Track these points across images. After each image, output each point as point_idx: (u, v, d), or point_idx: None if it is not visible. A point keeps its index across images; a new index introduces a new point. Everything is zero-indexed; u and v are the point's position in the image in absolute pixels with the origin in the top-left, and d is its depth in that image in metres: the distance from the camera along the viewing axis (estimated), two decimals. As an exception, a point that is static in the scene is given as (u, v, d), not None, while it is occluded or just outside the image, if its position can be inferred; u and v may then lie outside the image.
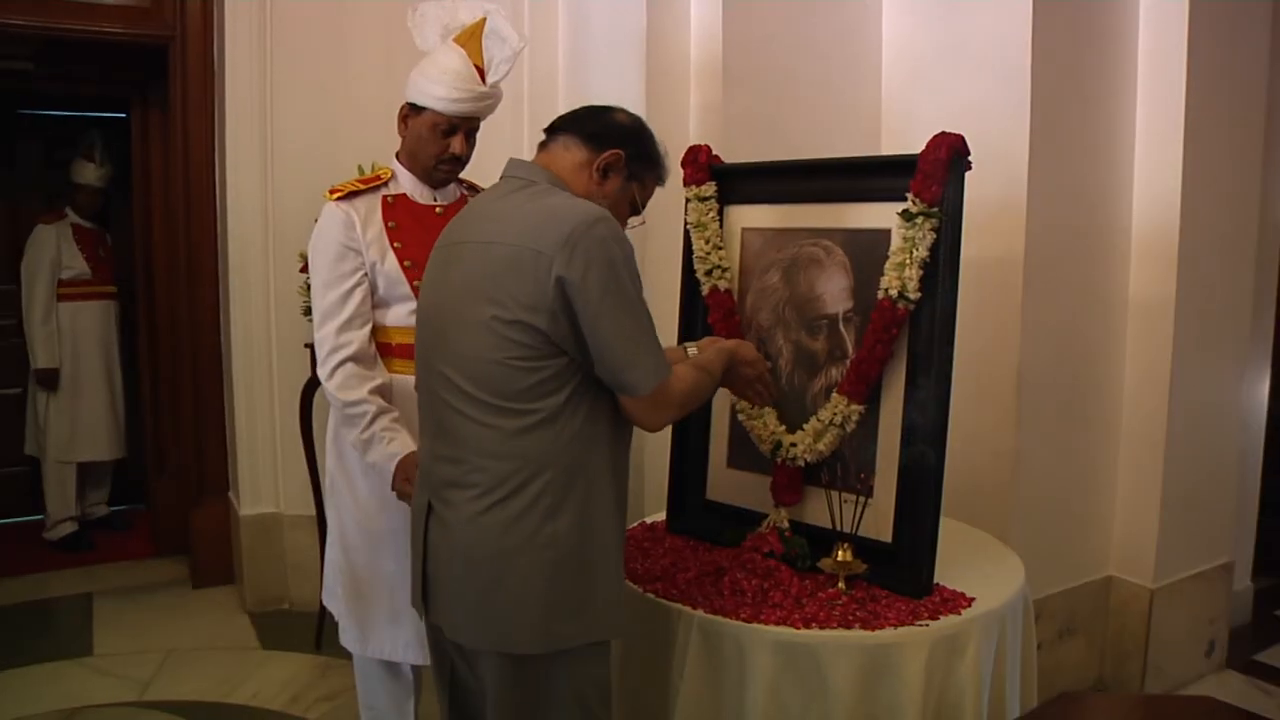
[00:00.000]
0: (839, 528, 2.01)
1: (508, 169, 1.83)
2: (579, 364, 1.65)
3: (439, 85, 2.25)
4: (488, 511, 1.66)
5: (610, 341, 1.62)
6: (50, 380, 4.62)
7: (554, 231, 1.60)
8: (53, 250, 4.62)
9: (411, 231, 2.30)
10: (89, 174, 4.72)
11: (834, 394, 2.09)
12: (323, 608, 3.33)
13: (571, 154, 1.78)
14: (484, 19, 2.32)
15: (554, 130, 1.83)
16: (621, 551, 1.77)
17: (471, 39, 2.28)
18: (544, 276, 1.59)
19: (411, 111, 2.32)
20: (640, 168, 1.83)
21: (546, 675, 1.72)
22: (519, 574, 1.66)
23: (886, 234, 2.05)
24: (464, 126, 2.31)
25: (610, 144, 1.78)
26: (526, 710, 1.74)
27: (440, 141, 2.30)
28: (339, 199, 2.30)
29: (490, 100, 2.33)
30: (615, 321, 1.62)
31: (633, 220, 1.88)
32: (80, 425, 4.69)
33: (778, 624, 1.84)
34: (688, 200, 2.34)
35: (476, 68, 2.27)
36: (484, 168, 2.60)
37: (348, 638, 2.38)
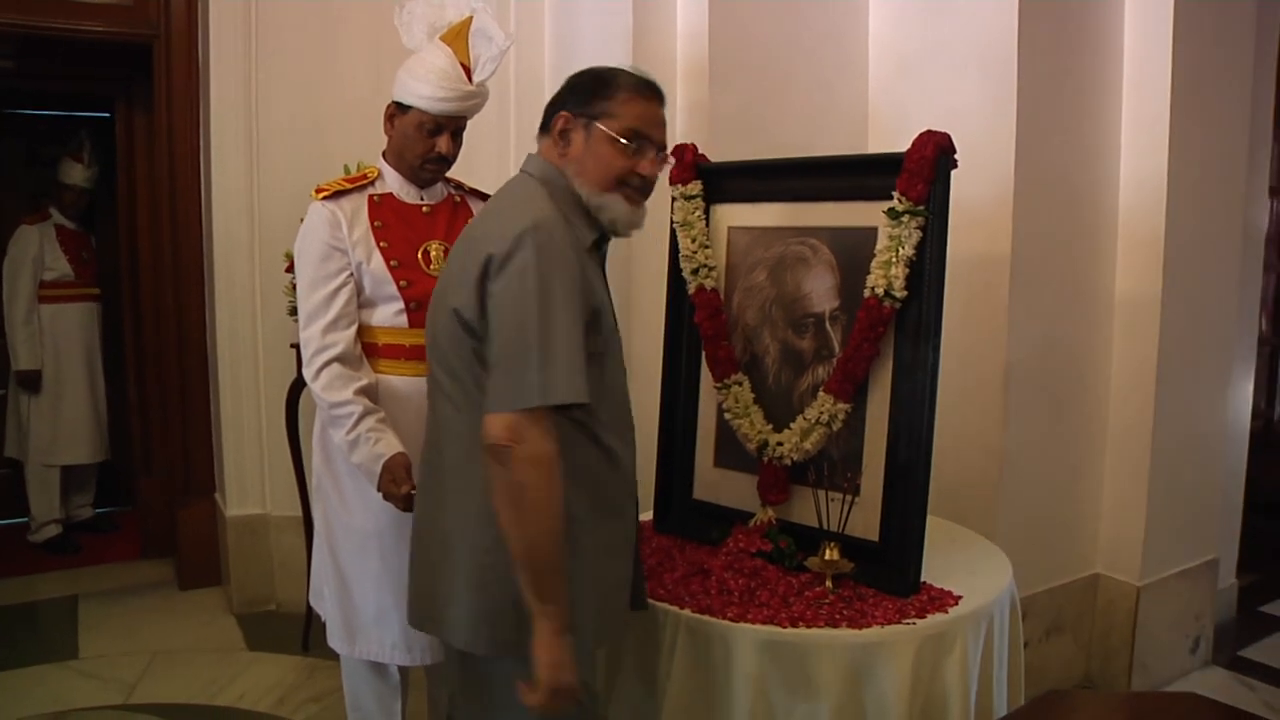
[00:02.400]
0: (826, 526, 2.01)
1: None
2: None
3: (425, 84, 2.25)
4: (447, 494, 1.69)
5: (494, 346, 1.57)
6: (32, 382, 4.59)
7: (495, 230, 1.62)
8: (35, 251, 4.58)
9: (398, 231, 2.29)
10: (77, 175, 4.68)
11: (820, 392, 2.09)
12: (309, 609, 3.32)
13: (542, 142, 1.78)
14: (470, 18, 2.31)
15: None
16: (602, 563, 1.69)
17: (458, 38, 2.27)
18: (476, 273, 1.59)
19: (398, 111, 2.31)
20: (591, 105, 1.69)
21: (492, 677, 1.69)
22: (453, 564, 1.67)
23: (873, 232, 2.05)
24: (450, 126, 2.30)
25: (553, 112, 1.75)
26: (477, 711, 1.73)
27: (426, 141, 2.29)
28: (325, 198, 2.29)
29: (476, 100, 2.32)
30: (502, 330, 1.57)
31: (658, 162, 1.73)
32: (62, 428, 4.65)
33: (764, 623, 1.84)
34: (674, 199, 2.34)
35: (463, 66, 2.26)
36: (472, 167, 2.60)
37: (335, 639, 2.37)
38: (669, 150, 1.86)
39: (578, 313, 1.56)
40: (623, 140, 1.67)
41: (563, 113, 1.72)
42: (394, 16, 2.40)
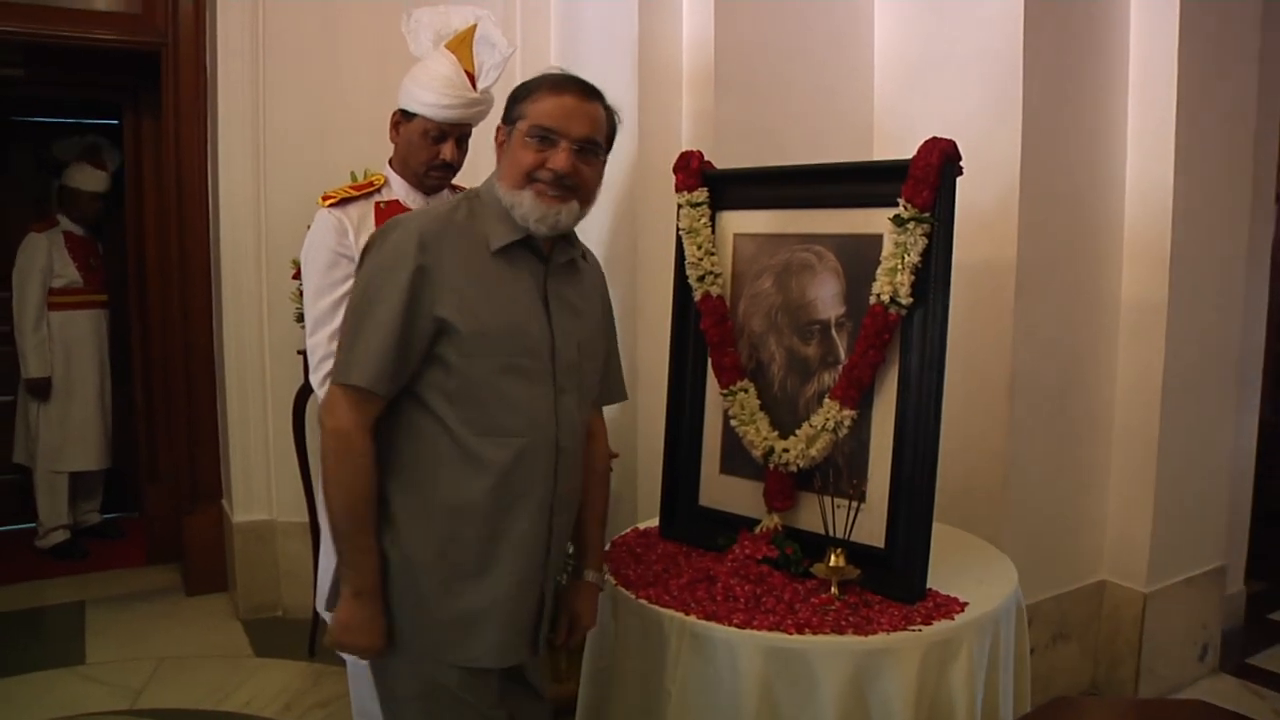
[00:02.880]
0: (831, 533, 2.01)
1: None
2: None
3: (429, 91, 2.27)
4: None
5: None
6: (42, 390, 4.60)
7: None
8: (44, 258, 4.60)
9: (404, 238, 2.30)
10: (95, 180, 4.69)
11: (826, 399, 2.09)
12: (316, 614, 3.32)
13: None
14: (474, 25, 2.33)
15: None
16: (430, 569, 1.71)
17: (462, 45, 2.29)
18: None
19: (403, 118, 2.33)
20: (512, 111, 1.77)
21: (381, 669, 1.80)
22: None
23: (878, 239, 2.05)
24: (454, 133, 2.32)
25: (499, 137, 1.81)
26: (380, 699, 1.84)
27: (431, 148, 2.31)
28: (332, 205, 2.31)
29: (481, 106, 2.33)
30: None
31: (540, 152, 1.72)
32: (71, 435, 4.66)
33: (770, 629, 1.84)
34: (680, 206, 2.34)
35: (467, 73, 2.28)
36: (478, 174, 2.60)
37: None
38: (586, 144, 1.77)
39: (399, 308, 1.63)
40: (529, 136, 1.71)
41: (498, 126, 1.80)
42: (400, 25, 2.42)
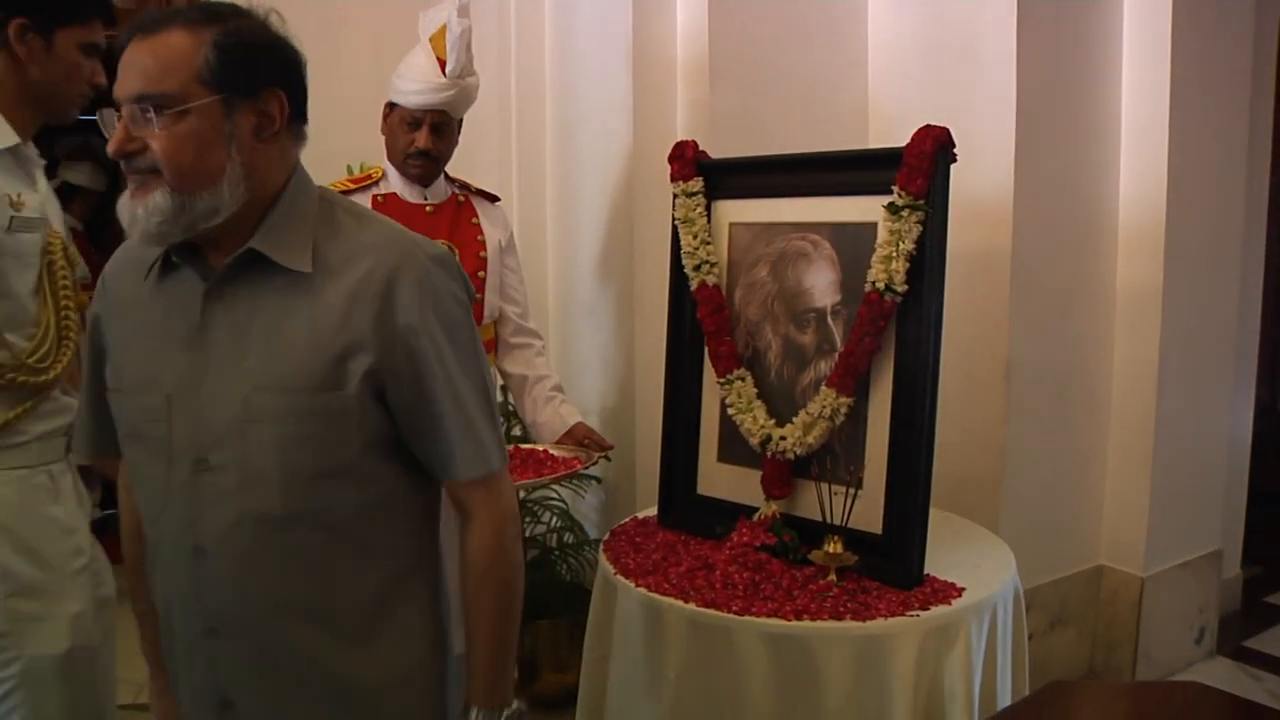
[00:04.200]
0: (829, 520, 2.02)
1: None
2: None
3: (404, 80, 2.38)
4: None
5: None
6: None
7: None
8: None
9: (400, 230, 2.32)
10: (85, 175, 4.69)
11: (823, 387, 2.10)
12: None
13: None
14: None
15: None
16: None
17: (439, 36, 2.38)
18: None
19: (389, 110, 2.40)
20: None
21: None
22: None
23: (873, 227, 2.06)
24: (428, 120, 2.38)
25: None
26: None
27: (407, 135, 2.39)
28: None
29: (451, 93, 2.38)
30: None
31: None
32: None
33: (769, 616, 1.85)
34: (675, 196, 2.35)
35: (439, 60, 2.35)
36: (473, 166, 2.62)
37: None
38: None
39: (88, 370, 1.42)
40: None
41: None
42: (413, 22, 2.49)
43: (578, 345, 3.15)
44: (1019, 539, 2.46)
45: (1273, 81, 3.51)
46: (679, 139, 2.41)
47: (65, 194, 4.69)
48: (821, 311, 2.16)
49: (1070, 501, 3.12)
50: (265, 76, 1.24)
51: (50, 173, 4.75)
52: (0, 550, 1.71)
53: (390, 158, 2.44)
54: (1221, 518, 3.45)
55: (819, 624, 1.83)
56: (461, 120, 2.48)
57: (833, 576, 1.96)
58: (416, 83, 2.35)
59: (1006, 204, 2.79)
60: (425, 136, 2.37)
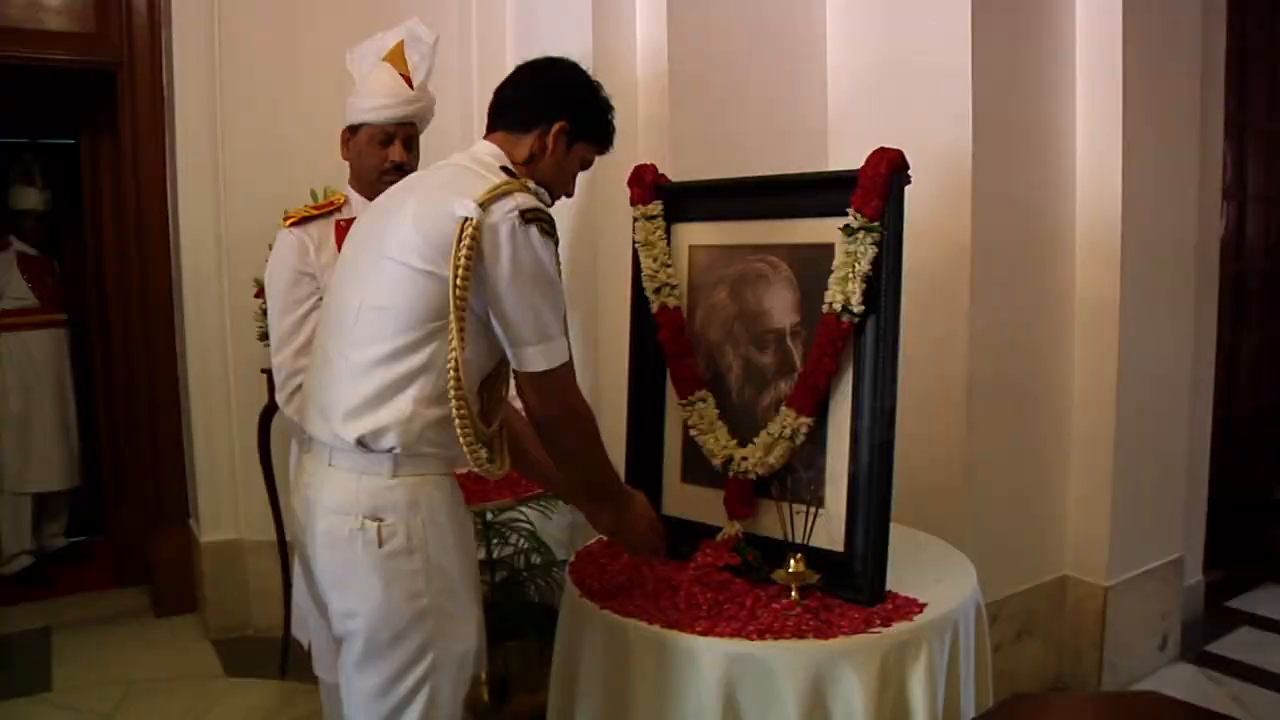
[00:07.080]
0: (791, 539, 2.04)
1: None
2: None
3: (370, 98, 2.38)
4: None
5: None
6: None
7: None
8: None
9: (363, 255, 2.32)
10: (32, 199, 4.68)
11: (783, 407, 2.12)
12: (287, 632, 3.32)
13: None
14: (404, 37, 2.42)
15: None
16: None
17: (396, 53, 2.39)
18: None
19: (350, 134, 2.41)
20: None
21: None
22: None
23: (830, 249, 2.08)
24: (400, 134, 2.39)
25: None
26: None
27: (379, 152, 2.39)
28: (293, 225, 2.36)
29: (420, 104, 2.41)
30: None
31: None
32: (33, 455, 4.61)
33: (732, 635, 1.86)
34: (635, 219, 2.37)
35: (404, 77, 2.38)
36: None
37: (321, 666, 2.38)
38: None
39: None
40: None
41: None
42: (345, 62, 2.49)
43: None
44: (984, 552, 2.49)
45: (1221, 95, 3.59)
46: (639, 161, 2.42)
47: (17, 219, 4.67)
48: (781, 332, 2.18)
49: (1033, 513, 3.16)
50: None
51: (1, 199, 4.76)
52: (437, 549, 1.75)
53: (357, 180, 2.43)
54: (1183, 524, 3.51)
55: (781, 643, 1.85)
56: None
57: (795, 595, 1.98)
58: (383, 98, 2.36)
59: (965, 219, 2.83)
60: (399, 150, 2.38)
